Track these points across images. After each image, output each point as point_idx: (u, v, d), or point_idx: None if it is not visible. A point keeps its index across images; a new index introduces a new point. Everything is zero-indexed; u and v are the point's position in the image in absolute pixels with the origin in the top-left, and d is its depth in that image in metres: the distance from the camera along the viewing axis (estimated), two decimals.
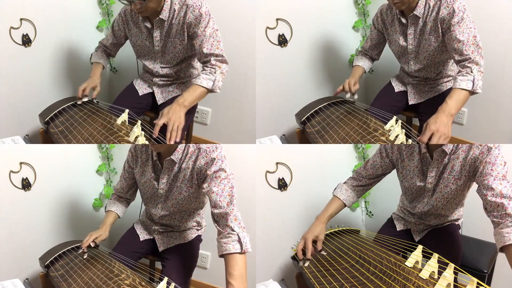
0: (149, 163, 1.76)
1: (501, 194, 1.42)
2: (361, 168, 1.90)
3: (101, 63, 2.10)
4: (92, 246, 1.79)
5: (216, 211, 1.53)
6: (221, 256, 1.50)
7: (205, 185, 1.59)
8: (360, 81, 2.11)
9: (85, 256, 1.75)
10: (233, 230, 1.50)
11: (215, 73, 1.83)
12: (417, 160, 1.71)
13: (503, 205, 1.39)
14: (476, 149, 1.54)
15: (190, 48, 1.95)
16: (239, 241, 1.48)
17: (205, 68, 1.85)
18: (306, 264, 1.66)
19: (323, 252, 1.73)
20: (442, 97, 1.74)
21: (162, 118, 1.72)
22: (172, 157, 1.66)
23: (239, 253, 1.47)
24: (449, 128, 1.59)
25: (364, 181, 1.88)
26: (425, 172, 1.70)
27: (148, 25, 1.91)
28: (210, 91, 1.83)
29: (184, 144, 1.67)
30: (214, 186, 1.56)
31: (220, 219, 1.53)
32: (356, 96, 2.04)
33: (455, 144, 1.60)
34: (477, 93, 1.66)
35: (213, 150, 1.60)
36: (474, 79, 1.64)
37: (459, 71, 1.69)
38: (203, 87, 1.81)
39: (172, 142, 1.69)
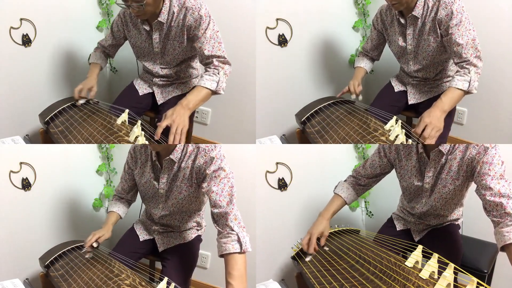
0: (148, 163, 1.75)
1: (499, 193, 1.42)
2: (360, 168, 1.90)
3: (99, 64, 2.09)
4: (95, 246, 1.76)
5: (216, 210, 1.53)
6: (221, 256, 1.50)
7: (204, 185, 1.59)
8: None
9: (86, 256, 1.73)
10: (233, 230, 1.50)
11: (218, 73, 1.79)
12: (414, 160, 1.71)
13: (502, 204, 1.40)
14: (472, 149, 1.55)
15: (189, 50, 1.94)
16: (239, 240, 1.48)
17: (208, 69, 1.81)
18: (308, 259, 1.66)
19: (325, 248, 1.74)
20: None
21: (165, 120, 1.67)
22: (171, 156, 1.65)
23: (238, 253, 1.47)
24: (442, 122, 1.68)
25: (363, 181, 1.89)
26: (422, 172, 1.70)
27: (147, 27, 1.90)
28: (214, 92, 1.79)
29: (183, 143, 1.66)
30: (214, 185, 1.55)
31: (220, 219, 1.53)
32: (360, 97, 2.06)
33: (452, 144, 1.61)
34: (472, 93, 1.73)
35: (212, 149, 1.59)
36: (470, 80, 1.70)
37: (457, 71, 1.75)
38: (206, 88, 1.76)
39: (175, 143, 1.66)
